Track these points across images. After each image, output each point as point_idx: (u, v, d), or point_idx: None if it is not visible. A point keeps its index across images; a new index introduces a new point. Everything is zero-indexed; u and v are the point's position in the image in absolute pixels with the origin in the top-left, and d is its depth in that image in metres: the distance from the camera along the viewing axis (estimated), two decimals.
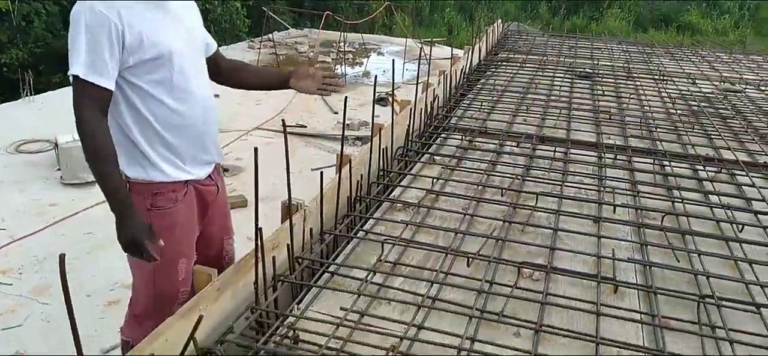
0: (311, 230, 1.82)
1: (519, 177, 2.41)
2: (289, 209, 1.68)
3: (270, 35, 10.98)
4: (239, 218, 2.69)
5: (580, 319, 1.53)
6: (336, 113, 8.13)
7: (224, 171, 3.92)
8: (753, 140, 3.03)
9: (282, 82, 2.37)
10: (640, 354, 1.39)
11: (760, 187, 2.38)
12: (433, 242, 1.89)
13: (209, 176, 2.13)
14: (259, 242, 1.44)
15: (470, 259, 1.75)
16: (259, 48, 10.10)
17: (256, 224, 1.41)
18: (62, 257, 0.86)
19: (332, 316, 1.48)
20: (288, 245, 1.63)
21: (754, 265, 1.79)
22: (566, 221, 2.07)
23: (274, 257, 1.57)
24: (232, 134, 6.19)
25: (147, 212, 1.94)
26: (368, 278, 1.63)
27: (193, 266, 2.06)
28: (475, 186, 2.31)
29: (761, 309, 1.55)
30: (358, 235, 1.93)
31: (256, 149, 1.37)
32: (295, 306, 1.53)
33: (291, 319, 1.45)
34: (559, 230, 1.98)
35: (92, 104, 1.76)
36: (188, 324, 1.28)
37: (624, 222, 2.07)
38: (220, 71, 2.28)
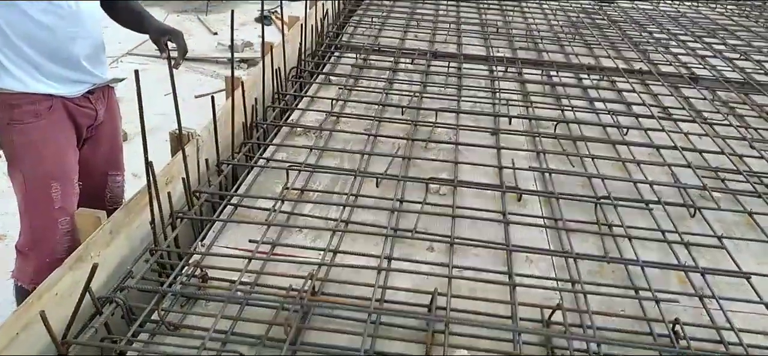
0: (207, 161, 1.68)
1: (417, 94, 2.39)
2: (180, 139, 1.54)
3: None
4: None
5: (489, 229, 1.56)
6: (215, 33, 7.68)
7: None
8: (629, 48, 3.21)
9: (144, 30, 2.21)
10: (549, 256, 1.45)
11: (639, 92, 2.53)
12: (339, 166, 1.83)
13: (86, 97, 1.93)
14: (150, 178, 1.30)
15: (378, 179, 1.72)
16: None
17: (146, 157, 1.26)
18: None
19: (241, 250, 1.40)
20: (183, 178, 1.49)
21: (641, 165, 1.91)
22: (466, 134, 2.08)
23: (169, 194, 1.43)
24: None
25: (6, 126, 1.79)
26: (276, 207, 1.55)
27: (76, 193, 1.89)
28: (375, 106, 2.26)
29: (650, 205, 1.67)
30: (259, 163, 1.82)
31: (136, 72, 1.22)
32: (199, 243, 1.42)
33: (196, 257, 1.34)
34: (459, 145, 1.99)
35: None
36: (79, 275, 1.16)
37: (520, 133, 2.12)
38: None
